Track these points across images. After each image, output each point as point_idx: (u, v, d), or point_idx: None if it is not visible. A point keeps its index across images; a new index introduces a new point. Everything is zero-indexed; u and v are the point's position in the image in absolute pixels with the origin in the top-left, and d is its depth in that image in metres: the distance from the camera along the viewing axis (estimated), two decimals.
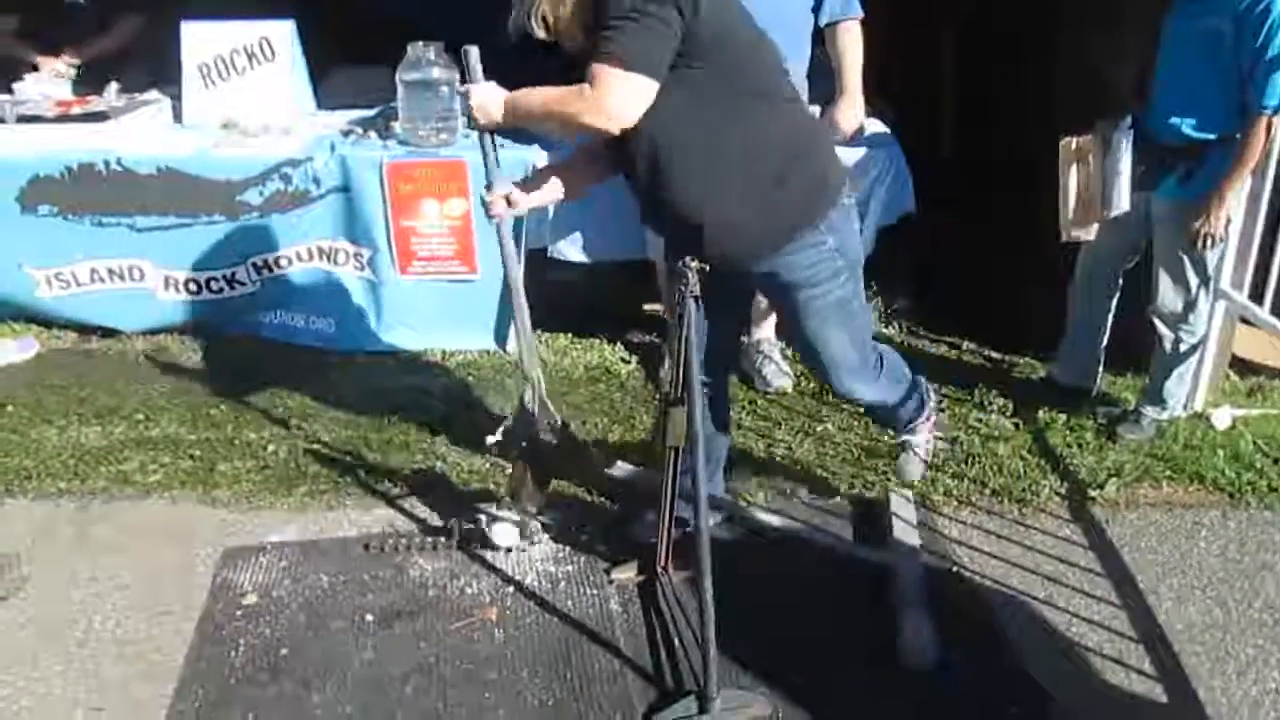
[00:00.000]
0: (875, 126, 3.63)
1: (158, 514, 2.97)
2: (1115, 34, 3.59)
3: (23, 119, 3.86)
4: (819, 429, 3.33)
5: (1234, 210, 2.98)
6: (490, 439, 2.67)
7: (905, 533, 2.82)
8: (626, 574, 2.69)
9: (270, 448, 3.24)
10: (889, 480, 3.03)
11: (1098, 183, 3.05)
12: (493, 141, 2.45)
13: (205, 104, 3.85)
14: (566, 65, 2.26)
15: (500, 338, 3.83)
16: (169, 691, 2.35)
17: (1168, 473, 3.10)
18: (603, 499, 3.00)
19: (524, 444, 2.65)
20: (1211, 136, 2.87)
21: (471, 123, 2.41)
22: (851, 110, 3.31)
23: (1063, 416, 3.37)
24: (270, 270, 3.73)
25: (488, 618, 2.57)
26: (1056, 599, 2.63)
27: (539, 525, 2.78)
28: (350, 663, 2.43)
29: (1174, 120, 2.91)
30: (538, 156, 3.50)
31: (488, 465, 3.13)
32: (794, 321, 2.48)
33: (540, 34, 2.25)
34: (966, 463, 3.17)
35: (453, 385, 3.64)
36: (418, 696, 2.34)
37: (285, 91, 3.87)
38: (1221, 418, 3.30)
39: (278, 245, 3.68)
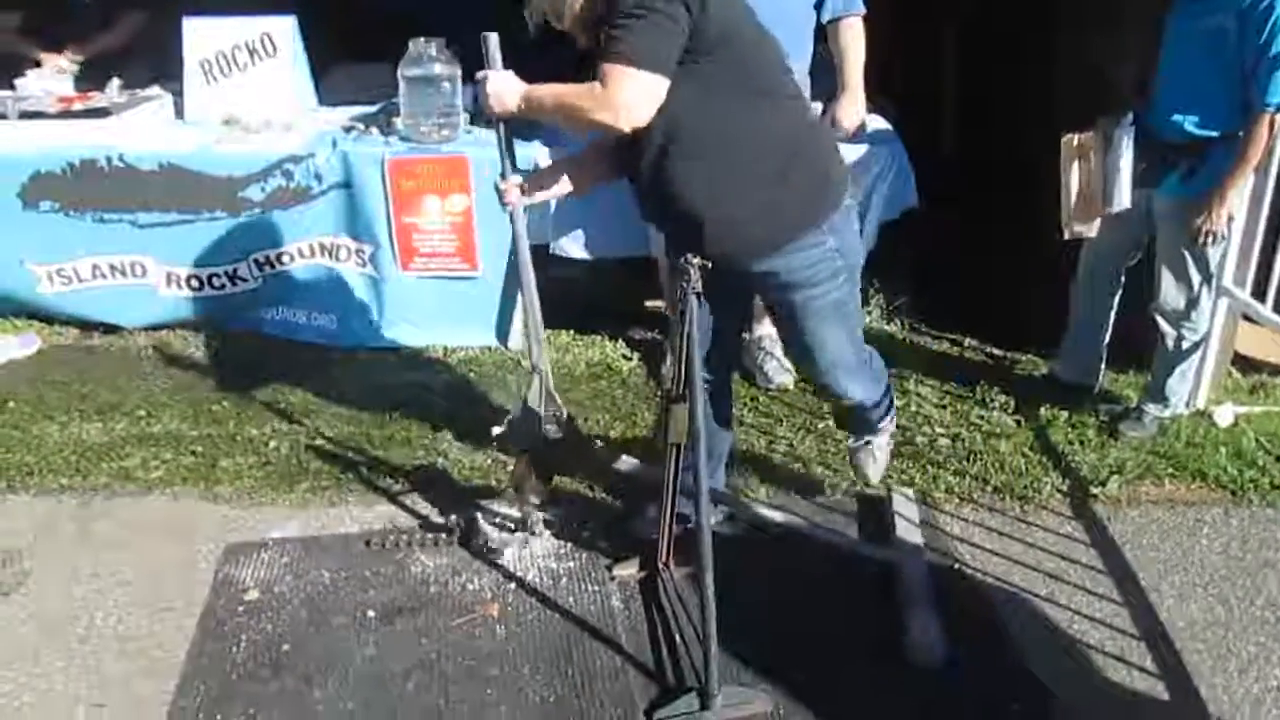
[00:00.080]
0: (877, 123, 3.63)
1: (159, 510, 2.97)
2: (1116, 33, 3.60)
3: (25, 115, 3.87)
4: (820, 426, 3.32)
5: (1236, 207, 2.98)
6: (495, 430, 2.67)
7: (907, 530, 2.82)
8: (628, 570, 2.69)
9: (272, 444, 3.25)
10: (890, 477, 3.03)
11: (1099, 179, 3.05)
12: (508, 130, 2.44)
13: (207, 100, 3.85)
14: (578, 59, 2.26)
15: (502, 334, 3.83)
16: (170, 687, 2.35)
17: (1170, 470, 3.11)
18: (605, 495, 3.00)
19: (527, 437, 2.65)
20: (1214, 134, 2.87)
21: (483, 110, 2.40)
22: (853, 106, 3.31)
23: (1065, 414, 3.37)
24: (272, 266, 3.73)
25: (489, 614, 2.57)
26: (1058, 596, 2.63)
27: (540, 517, 2.78)
28: (352, 659, 2.43)
29: (1176, 117, 2.91)
30: (540, 153, 3.49)
31: (490, 461, 3.13)
32: (792, 323, 2.48)
33: (556, 25, 2.25)
34: (968, 460, 3.17)
35: (454, 381, 3.64)
36: (419, 693, 2.34)
37: (287, 87, 3.87)
38: (1224, 415, 3.30)
39: (280, 241, 3.68)
